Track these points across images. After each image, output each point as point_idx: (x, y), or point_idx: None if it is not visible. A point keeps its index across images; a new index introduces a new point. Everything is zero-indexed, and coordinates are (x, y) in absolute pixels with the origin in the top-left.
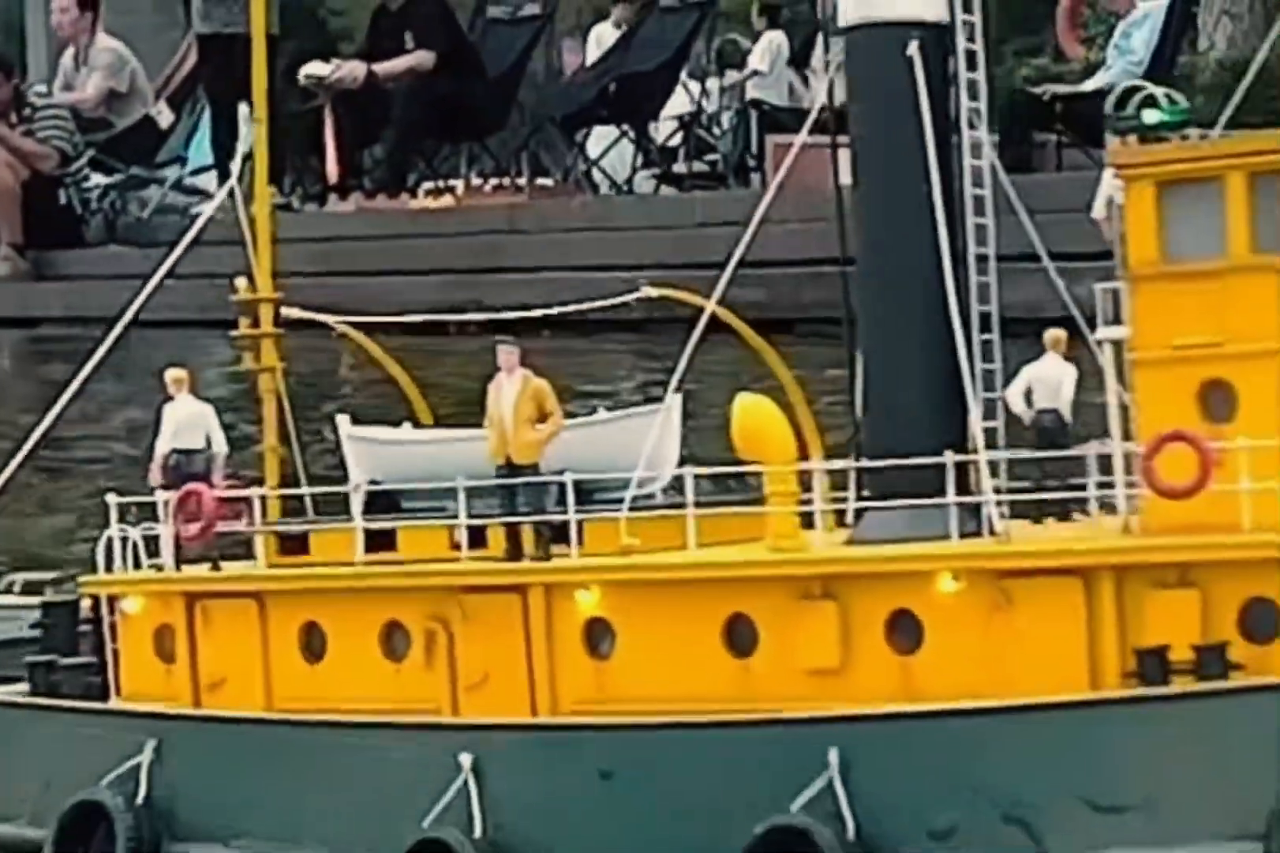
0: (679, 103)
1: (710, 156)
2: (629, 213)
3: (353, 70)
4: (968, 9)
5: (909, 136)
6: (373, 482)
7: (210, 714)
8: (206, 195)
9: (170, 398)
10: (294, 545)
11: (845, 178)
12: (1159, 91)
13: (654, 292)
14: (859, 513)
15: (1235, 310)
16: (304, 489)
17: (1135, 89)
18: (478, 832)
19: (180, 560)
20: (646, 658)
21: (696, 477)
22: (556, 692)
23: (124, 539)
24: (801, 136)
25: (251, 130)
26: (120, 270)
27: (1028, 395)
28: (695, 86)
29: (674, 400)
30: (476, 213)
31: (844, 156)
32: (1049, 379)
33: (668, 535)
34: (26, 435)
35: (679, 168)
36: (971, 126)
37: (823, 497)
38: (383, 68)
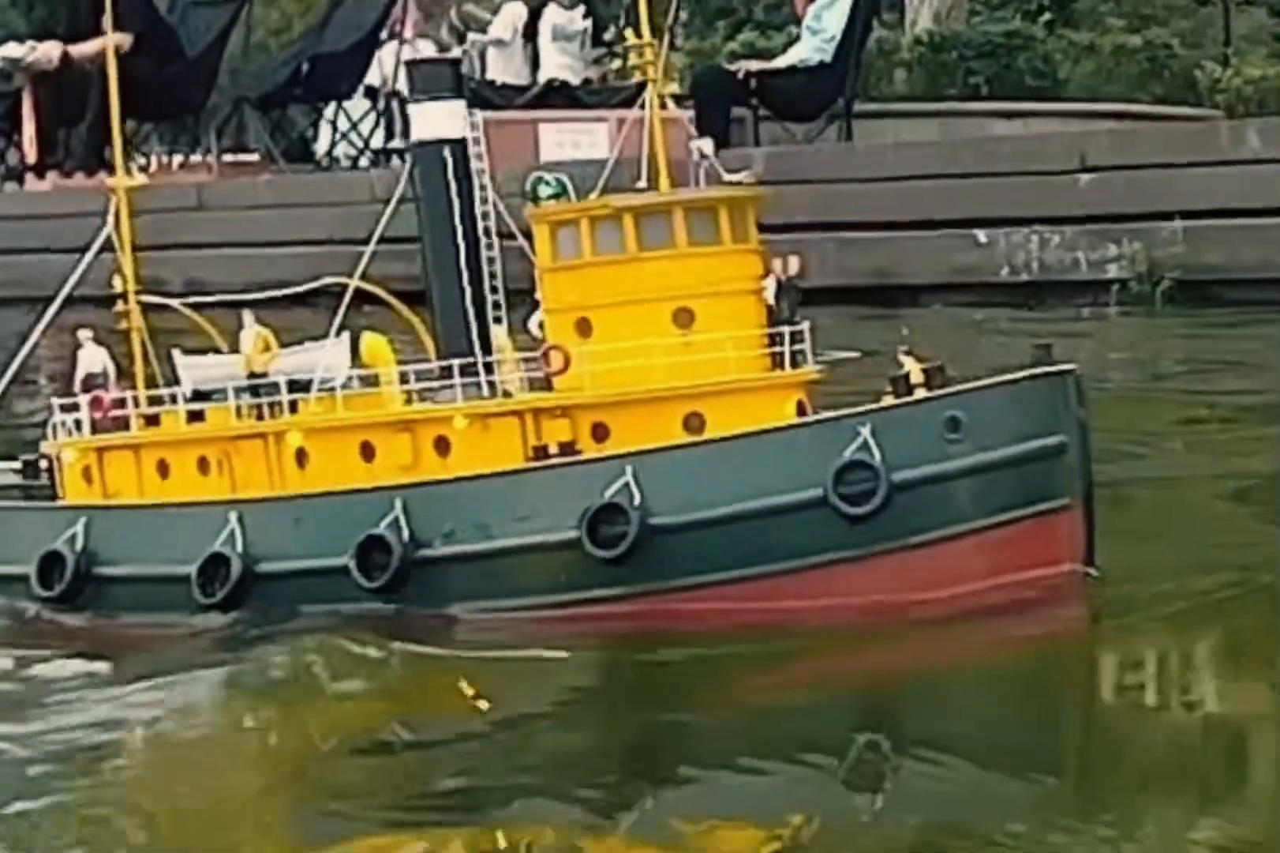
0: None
1: None
2: (309, 190)
3: (48, 52)
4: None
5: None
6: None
7: (109, 505)
8: None
9: (80, 345)
10: (152, 421)
11: (551, 154)
12: (549, 177)
13: (328, 280)
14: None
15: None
16: (156, 392)
17: (540, 179)
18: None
19: (93, 432)
20: (326, 467)
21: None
22: (283, 487)
23: (62, 422)
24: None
25: None
26: None
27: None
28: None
29: (344, 337)
30: (167, 191)
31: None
32: None
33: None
34: None
35: (381, 143)
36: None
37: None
38: (78, 49)
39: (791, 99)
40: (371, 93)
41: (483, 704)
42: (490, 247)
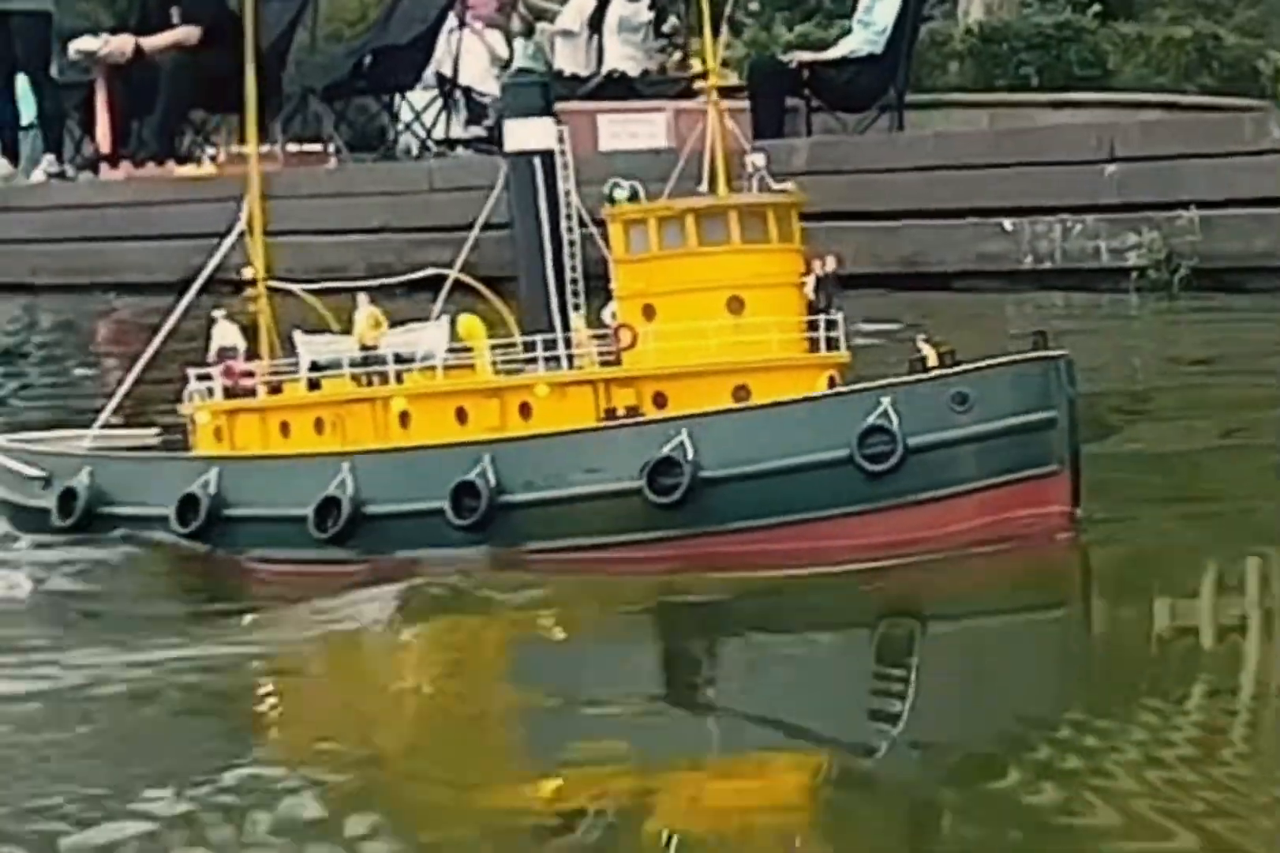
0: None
1: (487, 122)
2: (369, 179)
3: (121, 45)
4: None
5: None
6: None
7: (238, 455)
8: None
9: (215, 321)
10: (275, 389)
11: (609, 143)
12: (623, 182)
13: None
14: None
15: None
16: (279, 363)
17: (615, 183)
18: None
19: (225, 397)
20: (425, 428)
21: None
22: (387, 443)
23: (197, 389)
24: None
25: (31, 103)
26: None
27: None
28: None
29: (444, 318)
30: (233, 180)
31: (604, 123)
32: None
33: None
34: None
35: (457, 133)
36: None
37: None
38: (149, 42)
39: (843, 90)
40: (442, 82)
41: (564, 628)
42: (572, 243)
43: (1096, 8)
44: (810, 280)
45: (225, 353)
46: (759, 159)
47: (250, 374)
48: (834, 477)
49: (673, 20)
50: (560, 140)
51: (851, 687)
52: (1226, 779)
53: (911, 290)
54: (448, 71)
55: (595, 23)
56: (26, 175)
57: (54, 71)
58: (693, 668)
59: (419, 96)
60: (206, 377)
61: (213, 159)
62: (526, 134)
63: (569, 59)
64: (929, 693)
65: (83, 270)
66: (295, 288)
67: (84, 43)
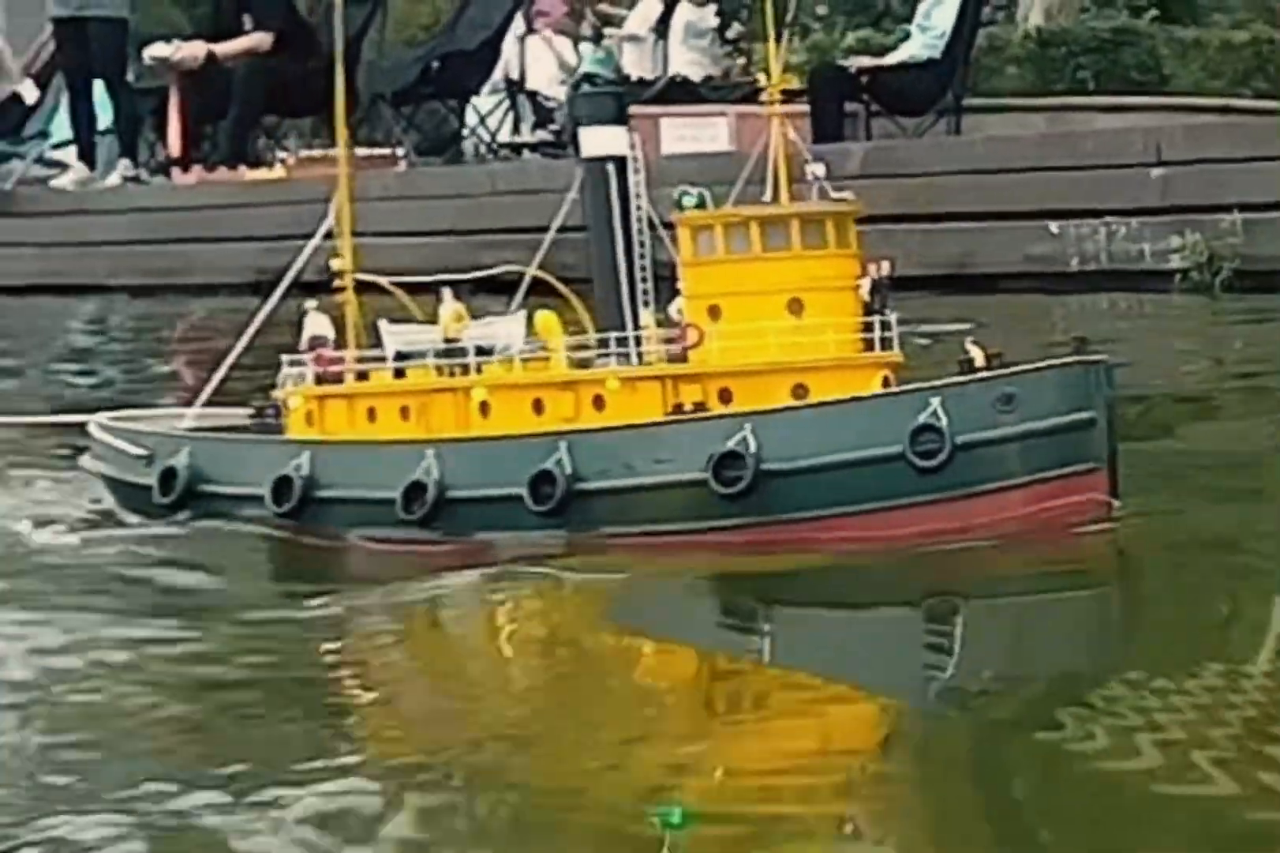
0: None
1: (554, 126)
2: (434, 182)
3: (194, 51)
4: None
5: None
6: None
7: (330, 440)
8: (65, 167)
9: (306, 312)
10: (362, 377)
11: (671, 147)
12: (691, 190)
13: (504, 268)
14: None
15: (722, 276)
16: (366, 353)
17: (684, 192)
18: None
19: (315, 383)
20: (504, 417)
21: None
22: (469, 433)
23: (290, 375)
24: None
25: (108, 108)
26: None
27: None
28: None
29: (521, 314)
30: (303, 183)
31: (667, 126)
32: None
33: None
34: None
35: (524, 137)
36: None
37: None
38: (222, 48)
39: (901, 94)
40: (509, 86)
41: (635, 603)
42: (642, 244)
43: (1153, 12)
44: (865, 283)
45: (316, 341)
46: (819, 168)
47: (339, 361)
48: (886, 471)
49: (737, 26)
50: (632, 146)
51: (907, 649)
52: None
53: (960, 293)
54: (515, 76)
55: (662, 28)
56: (103, 179)
57: (130, 77)
58: (759, 635)
59: (486, 101)
60: (299, 363)
61: (282, 163)
62: (601, 141)
63: (636, 64)
64: (981, 654)
65: (156, 272)
66: (382, 280)
67: (158, 49)
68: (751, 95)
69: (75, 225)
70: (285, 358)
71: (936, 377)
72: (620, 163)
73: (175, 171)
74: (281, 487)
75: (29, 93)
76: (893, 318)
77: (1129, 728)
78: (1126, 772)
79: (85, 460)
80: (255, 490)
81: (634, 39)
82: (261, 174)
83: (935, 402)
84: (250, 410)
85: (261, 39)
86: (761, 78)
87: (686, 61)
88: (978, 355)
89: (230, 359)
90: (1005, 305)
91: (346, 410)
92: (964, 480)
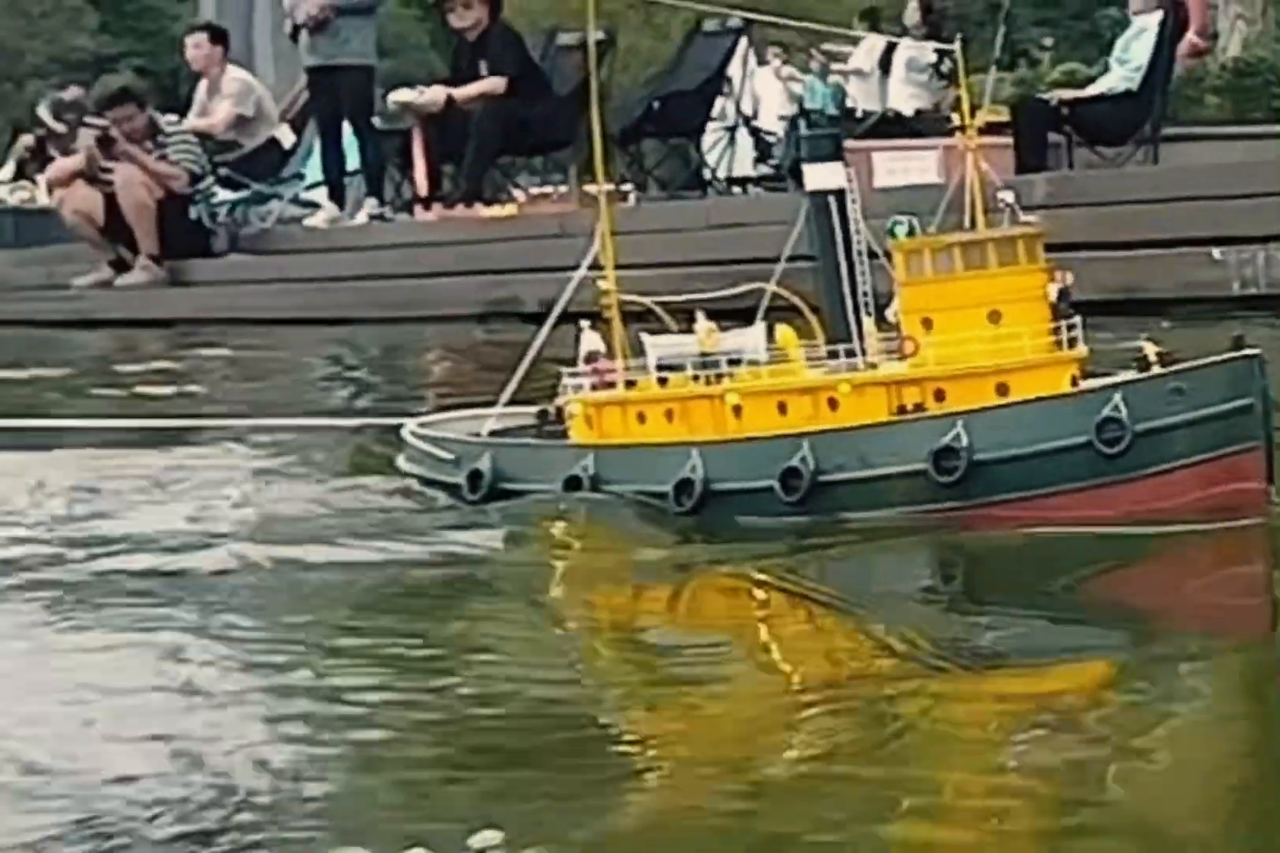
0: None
1: (773, 160)
2: (653, 217)
3: (434, 95)
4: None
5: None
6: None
7: (612, 443)
8: (317, 207)
9: (581, 330)
10: (630, 385)
11: (884, 180)
12: (903, 219)
13: (748, 286)
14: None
15: (932, 293)
16: (632, 363)
17: (896, 221)
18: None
19: (592, 391)
20: (753, 418)
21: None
22: (725, 433)
23: (570, 385)
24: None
25: (356, 150)
26: (241, 276)
27: (894, 314)
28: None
29: (761, 327)
30: (533, 220)
31: (879, 160)
32: None
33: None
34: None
35: (743, 172)
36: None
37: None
38: (460, 92)
39: (1101, 125)
40: (734, 122)
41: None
42: (862, 263)
43: None
44: (1053, 290)
45: (592, 356)
46: (1008, 195)
47: (612, 372)
48: (1077, 458)
49: (948, 61)
50: (849, 180)
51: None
52: None
53: (1130, 316)
54: (743, 110)
55: (885, 63)
56: (352, 218)
57: (376, 121)
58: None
59: (710, 136)
60: (577, 375)
61: (515, 200)
62: (822, 176)
63: (860, 98)
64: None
65: (393, 304)
66: (646, 301)
67: (401, 94)
68: (954, 130)
69: (324, 262)
70: (565, 370)
71: (1117, 373)
72: (839, 195)
73: (418, 209)
74: (571, 483)
75: (286, 137)
76: (1077, 319)
77: None
78: None
79: (401, 462)
80: (550, 486)
81: (859, 74)
82: (495, 211)
83: (1117, 397)
84: (537, 409)
85: (496, 83)
86: (955, 116)
87: (906, 96)
88: (1151, 353)
89: (520, 370)
90: (1172, 327)
91: (620, 415)
92: (1142, 462)
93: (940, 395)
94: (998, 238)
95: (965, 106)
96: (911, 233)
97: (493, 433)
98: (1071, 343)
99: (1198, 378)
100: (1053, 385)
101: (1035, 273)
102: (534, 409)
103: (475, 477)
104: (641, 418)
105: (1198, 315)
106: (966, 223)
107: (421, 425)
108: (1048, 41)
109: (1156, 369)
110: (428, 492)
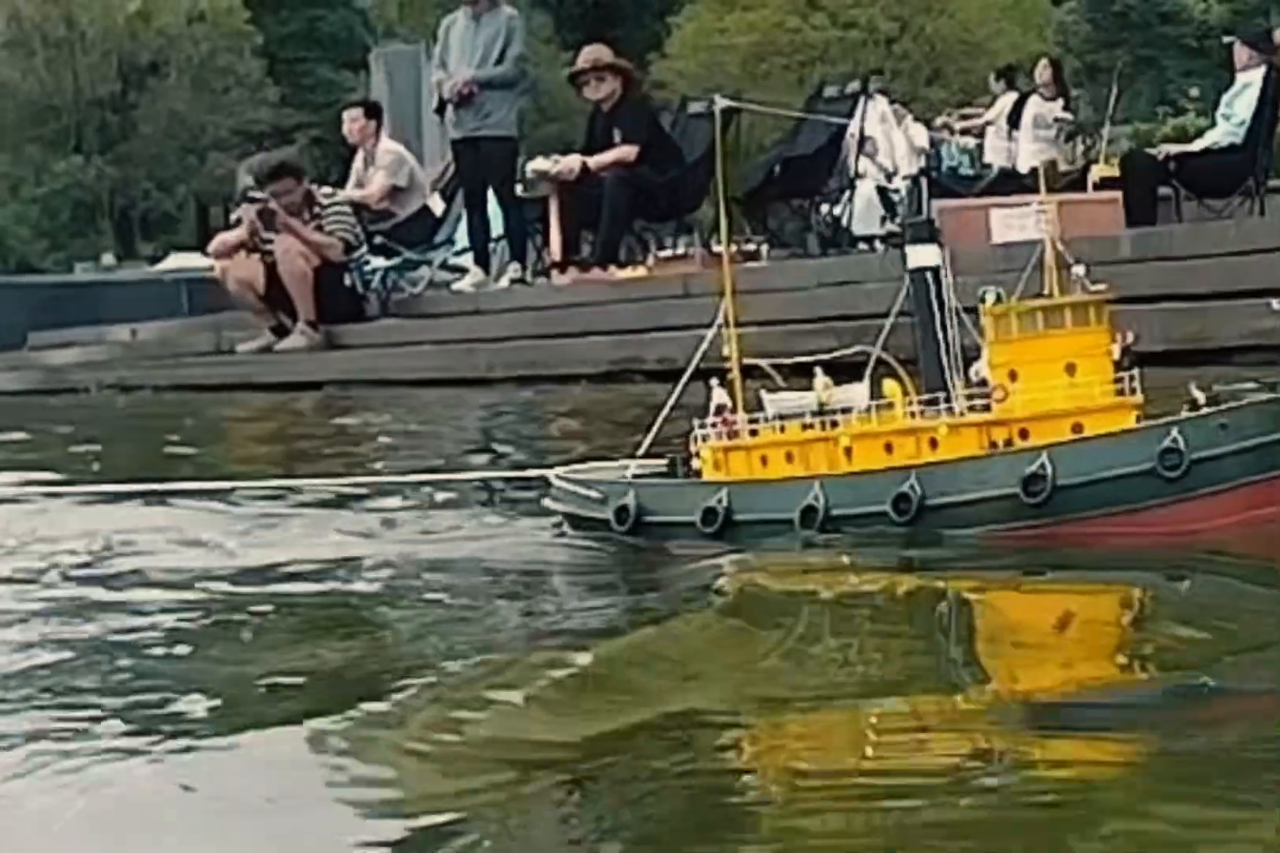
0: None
1: (899, 219)
2: (767, 277)
3: (570, 163)
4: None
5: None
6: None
7: (742, 479)
8: (464, 272)
9: (711, 386)
10: (753, 434)
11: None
12: (991, 289)
13: (856, 348)
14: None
15: (1017, 349)
16: (754, 416)
17: (985, 291)
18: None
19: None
20: (864, 458)
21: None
22: (837, 469)
23: (701, 434)
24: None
25: (499, 217)
26: (392, 340)
27: (977, 372)
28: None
29: (866, 381)
30: (660, 281)
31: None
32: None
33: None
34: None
35: (872, 229)
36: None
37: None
38: (594, 160)
39: (1207, 179)
40: (855, 181)
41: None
42: (952, 325)
43: None
44: (1117, 347)
45: (720, 409)
46: (1079, 269)
47: (736, 422)
48: (1143, 482)
49: (1069, 117)
50: (943, 259)
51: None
52: None
53: (1195, 366)
54: (874, 169)
55: (1014, 119)
56: (496, 282)
57: (518, 189)
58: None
59: (839, 196)
60: (705, 426)
61: (646, 263)
62: (922, 256)
63: (991, 154)
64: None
65: (526, 364)
66: (763, 362)
67: (538, 163)
68: (1071, 185)
69: (467, 324)
70: (697, 422)
71: (1173, 413)
72: (935, 271)
73: (555, 273)
74: (708, 515)
75: (436, 205)
76: (1135, 372)
77: None
78: None
79: (548, 502)
80: (689, 518)
81: (989, 130)
82: (627, 273)
83: (1174, 431)
84: (667, 460)
85: (628, 151)
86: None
87: (1033, 152)
88: (1200, 397)
89: (656, 426)
90: (1232, 374)
91: (745, 458)
92: (1196, 485)
93: (1024, 434)
94: (1073, 303)
95: (1042, 172)
96: (999, 299)
97: (635, 476)
98: (1132, 391)
99: (1239, 416)
100: (1117, 425)
101: (1103, 333)
102: (664, 460)
103: (621, 511)
104: (764, 461)
105: (1258, 363)
106: (1045, 289)
107: (563, 475)
108: (1194, 92)
109: (1205, 409)
110: (598, 544)
